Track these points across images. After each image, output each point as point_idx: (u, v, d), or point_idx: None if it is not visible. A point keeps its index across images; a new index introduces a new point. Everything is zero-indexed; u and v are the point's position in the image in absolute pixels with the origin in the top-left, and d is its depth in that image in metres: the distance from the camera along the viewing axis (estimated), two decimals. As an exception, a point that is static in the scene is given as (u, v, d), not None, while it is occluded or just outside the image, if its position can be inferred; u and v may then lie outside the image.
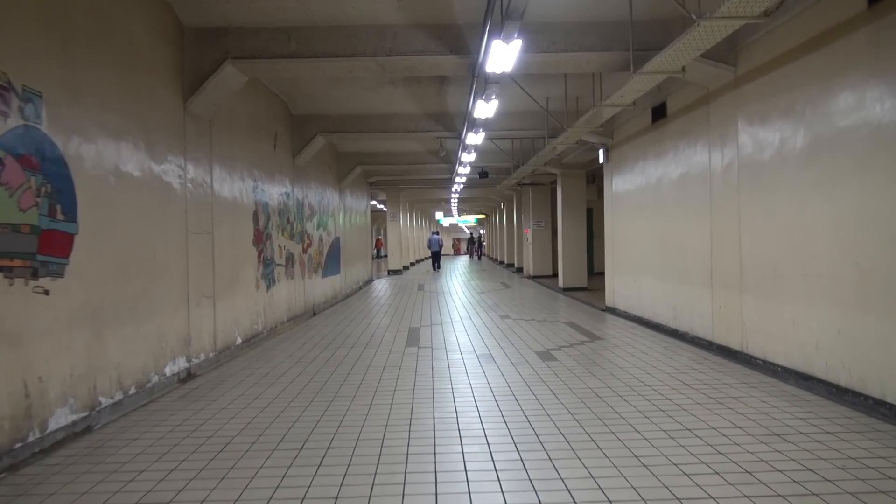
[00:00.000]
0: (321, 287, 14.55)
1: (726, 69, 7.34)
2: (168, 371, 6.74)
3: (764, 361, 6.81)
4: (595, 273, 21.50)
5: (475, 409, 5.57)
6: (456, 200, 33.36)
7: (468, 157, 13.97)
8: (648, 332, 9.72)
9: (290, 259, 11.83)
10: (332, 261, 15.91)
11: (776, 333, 6.59)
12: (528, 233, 22.70)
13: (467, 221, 51.66)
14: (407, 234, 31.84)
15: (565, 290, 17.17)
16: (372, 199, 30.61)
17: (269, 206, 10.53)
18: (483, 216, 47.30)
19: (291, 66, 7.50)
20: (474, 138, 11.32)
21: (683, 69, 6.79)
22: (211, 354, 7.91)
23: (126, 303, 5.92)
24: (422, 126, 12.31)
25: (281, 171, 11.36)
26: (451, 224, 57.11)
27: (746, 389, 6.01)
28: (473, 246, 49.28)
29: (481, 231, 63.55)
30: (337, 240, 16.66)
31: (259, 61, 7.29)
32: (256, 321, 9.72)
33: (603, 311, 12.80)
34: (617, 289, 12.12)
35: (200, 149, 7.72)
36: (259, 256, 9.95)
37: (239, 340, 8.89)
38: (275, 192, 10.96)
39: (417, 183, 24.27)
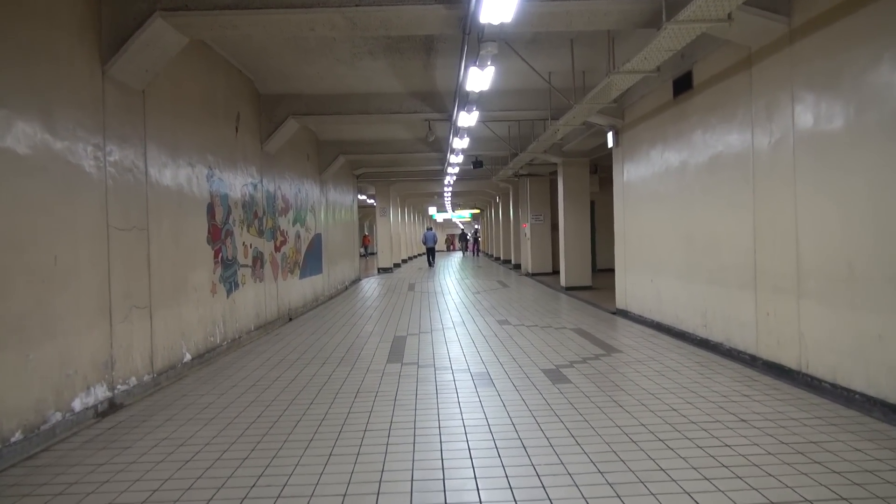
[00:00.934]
0: (299, 289, 13.10)
1: (777, 20, 5.91)
2: (78, 405, 5.30)
3: (833, 386, 5.40)
4: (598, 270, 20.10)
5: (469, 464, 4.14)
6: (449, 195, 31.91)
7: (460, 143, 12.53)
8: (672, 342, 8.31)
9: (258, 259, 10.37)
10: (312, 260, 14.46)
11: (852, 351, 5.18)
12: (526, 227, 21.28)
13: (462, 217, 50.23)
14: (398, 230, 30.39)
15: (568, 289, 15.76)
16: (360, 193, 29.16)
17: (229, 198, 9.08)
18: (478, 211, 45.88)
19: (238, 20, 6.04)
20: (467, 119, 9.88)
21: (730, 16, 5.36)
22: (146, 377, 6.47)
23: (5, 322, 4.47)
24: (407, 107, 10.86)
25: (246, 158, 9.90)
26: (444, 220, 55.66)
27: (826, 428, 4.59)
28: (465, 242, 47.81)
29: (476, 227, 62.14)
30: (318, 237, 15.20)
31: (194, 14, 5.82)
32: (213, 333, 8.28)
33: (613, 314, 11.40)
34: (630, 289, 10.71)
35: (129, 125, 6.25)
36: (216, 256, 8.49)
37: (188, 357, 7.45)
38: (238, 183, 9.50)
39: (408, 175, 22.81)
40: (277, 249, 11.61)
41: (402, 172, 22.30)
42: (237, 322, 9.21)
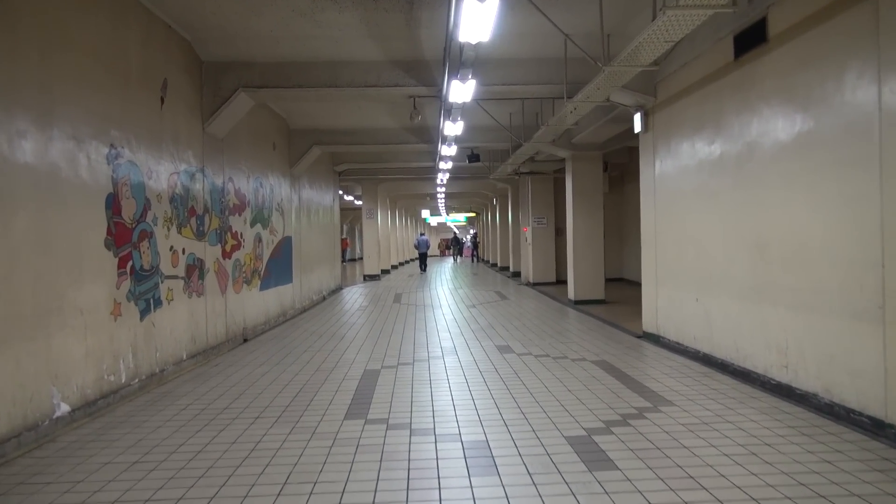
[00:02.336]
0: (258, 303, 10.90)
1: None
2: None
3: None
4: (606, 280, 17.96)
5: None
6: (443, 196, 29.77)
7: (453, 129, 10.38)
8: (735, 386, 6.15)
9: (196, 267, 8.19)
10: (278, 268, 12.28)
11: None
12: (527, 231, 19.14)
13: (456, 220, 48.06)
14: (387, 234, 28.21)
15: (577, 303, 13.61)
16: (347, 193, 27.04)
17: (147, 189, 6.90)
18: (473, 214, 43.72)
19: None
20: (461, 91, 7.72)
21: None
22: (-27, 451, 4.28)
23: None
24: (387, 78, 8.70)
25: (178, 139, 7.73)
26: (439, 223, 53.49)
27: None
28: (458, 247, 45.11)
29: (471, 231, 60.02)
30: (287, 240, 13.02)
31: None
32: (114, 370, 6.08)
33: (639, 338, 9.25)
34: (663, 309, 8.56)
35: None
36: (122, 265, 6.30)
37: (62, 409, 5.25)
38: (164, 170, 7.32)
39: (396, 172, 20.64)
40: (227, 255, 9.42)
41: (390, 169, 20.15)
42: (158, 351, 7.02)
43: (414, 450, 4.50)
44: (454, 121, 9.68)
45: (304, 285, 14.32)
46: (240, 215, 10.07)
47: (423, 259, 30.50)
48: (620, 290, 16.19)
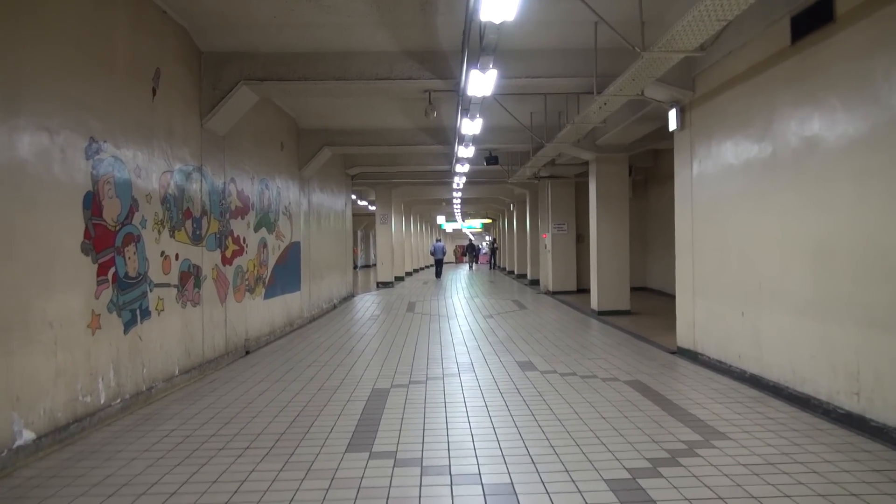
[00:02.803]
0: (263, 312, 10.25)
1: None
2: None
3: None
4: (631, 289, 17.16)
5: None
6: (459, 201, 29.07)
7: (471, 127, 9.68)
8: (795, 415, 5.37)
9: (191, 274, 7.55)
10: (285, 274, 11.63)
11: None
12: (547, 238, 18.38)
13: (472, 227, 47.36)
14: (401, 240, 27.55)
15: (601, 313, 12.83)
16: (361, 198, 26.46)
17: (135, 188, 6.26)
18: (489, 220, 42.99)
19: None
20: (481, 83, 7.02)
21: None
22: None
23: None
24: (400, 70, 8.02)
25: (172, 135, 7.10)
26: (454, 230, 52.82)
27: None
28: (474, 254, 43.87)
29: (487, 237, 59.28)
30: (295, 246, 12.38)
31: None
32: (91, 390, 5.43)
33: (673, 354, 8.48)
34: (702, 323, 7.78)
35: None
36: (104, 272, 5.66)
37: (25, 437, 4.60)
38: (155, 168, 6.69)
39: (410, 176, 19.98)
40: (227, 261, 8.77)
41: (404, 173, 19.49)
42: (145, 367, 6.36)
43: (426, 494, 3.79)
44: (472, 118, 8.98)
45: (313, 293, 13.66)
46: (243, 219, 9.44)
47: (438, 265, 30.55)
48: (645, 300, 15.39)
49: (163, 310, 6.80)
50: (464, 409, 5.79)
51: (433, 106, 8.49)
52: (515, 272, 27.71)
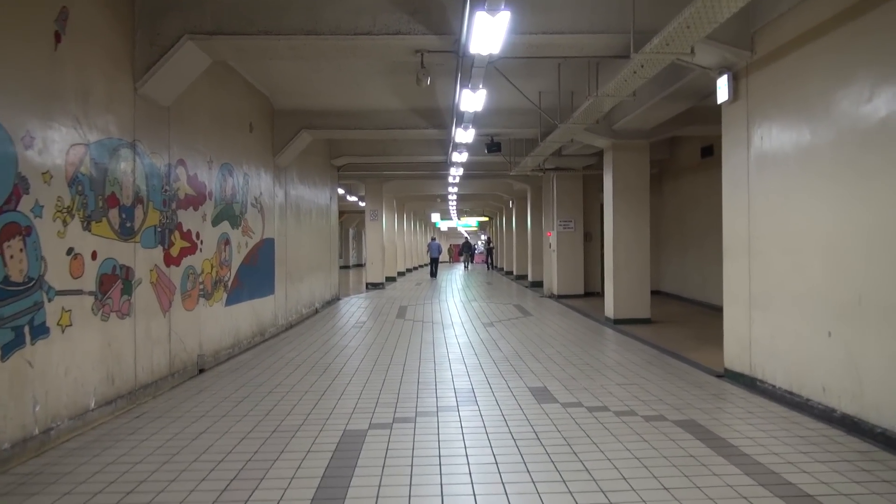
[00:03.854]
0: (223, 321, 8.63)
1: None
2: None
3: None
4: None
5: None
6: (454, 198, 27.46)
7: (472, 101, 8.08)
8: (933, 483, 3.80)
9: (118, 277, 5.92)
10: (254, 276, 10.01)
11: None
12: (552, 236, 16.79)
13: (468, 225, 45.75)
14: (393, 238, 25.92)
15: (617, 322, 11.26)
16: (350, 194, 24.85)
17: (20, 162, 4.63)
18: (486, 218, 41.38)
19: None
20: (488, 33, 5.42)
21: None
22: None
23: None
24: (384, 23, 6.39)
25: (86, 98, 5.47)
26: (449, 228, 51.19)
27: None
28: (469, 254, 41.47)
29: (483, 236, 57.73)
30: (268, 243, 10.75)
31: None
32: (-64, 443, 3.80)
33: (720, 377, 6.90)
34: (764, 341, 6.20)
35: None
36: (-36, 278, 4.04)
37: None
38: (57, 137, 5.06)
39: (402, 168, 18.34)
40: (173, 261, 7.14)
41: (396, 165, 17.86)
42: (39, 404, 4.74)
43: None
44: (474, 88, 7.37)
45: (290, 297, 12.03)
46: (196, 210, 7.81)
47: (433, 264, 29.74)
48: (661, 306, 13.81)
49: (70, 325, 5.17)
50: (466, 469, 4.19)
51: (426, 70, 6.87)
52: (515, 273, 26.11)
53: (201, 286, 7.92)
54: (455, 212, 37.29)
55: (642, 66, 6.26)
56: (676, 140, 14.99)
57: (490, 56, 6.20)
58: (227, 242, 8.87)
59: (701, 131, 11.81)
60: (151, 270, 6.61)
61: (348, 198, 25.68)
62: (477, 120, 10.39)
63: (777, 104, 5.95)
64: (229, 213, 8.94)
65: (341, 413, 5.61)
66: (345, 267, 42.63)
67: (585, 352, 8.62)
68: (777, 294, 5.96)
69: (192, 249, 7.67)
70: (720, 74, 6.76)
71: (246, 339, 9.50)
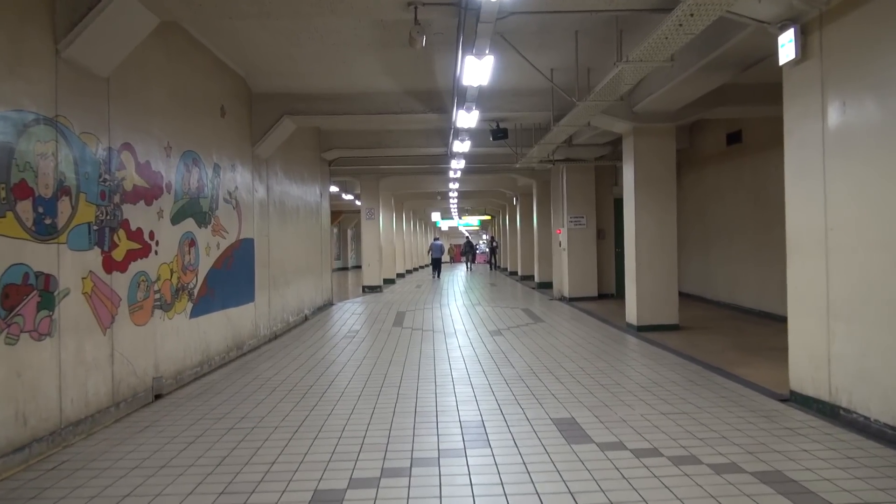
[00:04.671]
0: (189, 335, 7.37)
1: None
2: None
3: None
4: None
5: None
6: (455, 196, 26.19)
7: (477, 72, 6.82)
8: None
9: (32, 289, 4.66)
10: (229, 282, 8.75)
11: None
12: (562, 234, 15.52)
13: (469, 224, 44.47)
14: (391, 238, 24.65)
15: (641, 328, 10.00)
16: (345, 192, 23.62)
17: None
18: (488, 217, 40.10)
19: None
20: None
21: None
22: None
23: None
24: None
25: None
26: (450, 227, 49.92)
27: None
28: (471, 254, 39.71)
29: (485, 236, 56.51)
30: (246, 244, 9.49)
31: None
32: None
33: (784, 401, 5.63)
34: (850, 361, 4.92)
35: None
36: None
37: None
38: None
39: (400, 162, 17.06)
40: (116, 266, 5.87)
41: (392, 159, 16.59)
42: None
43: None
44: (480, 53, 6.09)
45: (273, 304, 10.77)
46: (149, 204, 6.54)
47: (436, 264, 29.22)
48: (685, 309, 12.41)
49: (-49, 353, 3.91)
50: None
51: (420, 28, 5.59)
52: (520, 273, 24.84)
53: (157, 295, 6.65)
54: (456, 210, 36.04)
55: (691, 16, 5.00)
56: (698, 127, 13.72)
57: (500, 4, 4.92)
58: (193, 243, 7.60)
59: (732, 113, 10.52)
60: (85, 278, 5.35)
61: (344, 196, 24.43)
62: (482, 100, 9.12)
63: (866, 62, 4.68)
64: (195, 210, 7.67)
65: (314, 461, 4.34)
66: (343, 269, 41.39)
67: (612, 367, 7.34)
68: (869, 300, 4.69)
69: (143, 252, 6.40)
70: (782, 29, 5.49)
71: (218, 355, 8.23)
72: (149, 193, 6.53)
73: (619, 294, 15.53)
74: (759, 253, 11.59)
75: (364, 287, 20.18)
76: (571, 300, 14.99)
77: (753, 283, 11.88)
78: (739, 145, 12.29)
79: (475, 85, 7.47)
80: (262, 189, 10.33)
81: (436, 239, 33.31)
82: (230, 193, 8.90)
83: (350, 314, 13.77)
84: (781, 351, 7.57)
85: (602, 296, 15.27)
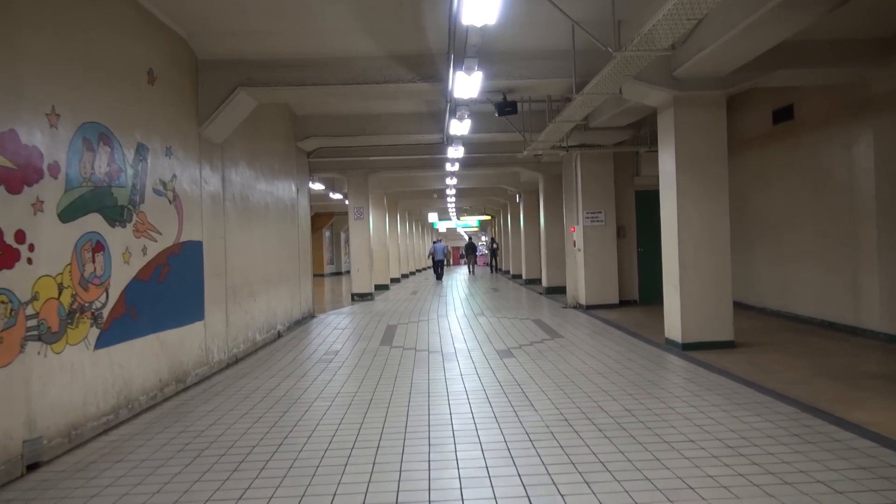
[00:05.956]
0: (93, 374, 5.39)
1: None
2: None
3: None
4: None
5: None
6: (453, 192, 24.22)
7: (479, 9, 4.84)
8: None
9: None
10: (165, 297, 6.77)
11: None
12: (576, 232, 13.55)
13: (468, 225, 42.48)
14: (384, 241, 22.66)
15: (687, 346, 8.03)
16: (333, 191, 21.69)
17: None
18: (488, 217, 38.11)
19: None
20: None
21: None
22: None
23: None
24: None
25: None
26: (448, 229, 47.94)
27: None
28: (473, 256, 37.55)
29: (484, 237, 54.60)
30: (191, 249, 7.52)
31: None
32: None
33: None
34: None
35: None
36: None
37: None
38: None
39: (389, 153, 15.05)
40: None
41: (380, 149, 14.59)
42: None
43: None
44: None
45: (234, 321, 8.79)
46: (16, 192, 4.56)
47: (438, 267, 28.79)
48: (743, 320, 10.36)
49: None
50: None
51: None
52: (524, 277, 22.87)
53: (33, 322, 4.67)
54: (454, 210, 34.11)
55: None
56: (735, 103, 11.74)
57: None
58: (100, 247, 5.62)
59: (794, 79, 8.54)
60: None
61: (332, 196, 22.46)
62: (486, 62, 7.17)
63: None
64: (104, 203, 5.69)
65: None
66: (337, 273, 39.40)
67: (672, 410, 5.37)
68: None
69: (5, 260, 4.42)
70: None
71: (146, 394, 6.25)
72: (14, 177, 4.55)
73: (644, 300, 13.60)
74: (820, 251, 9.64)
75: (353, 295, 18.18)
76: (588, 308, 13.02)
77: (813, 286, 9.91)
78: (790, 123, 10.33)
79: (478, 25, 5.48)
80: (216, 180, 8.36)
81: (437, 241, 31.91)
82: (164, 184, 6.92)
83: (332, 329, 11.78)
84: (891, 380, 5.71)
85: (623, 303, 13.29)
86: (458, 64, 6.73)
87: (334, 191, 21.99)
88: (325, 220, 37.25)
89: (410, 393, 6.36)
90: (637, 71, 6.47)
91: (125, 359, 5.94)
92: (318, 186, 19.07)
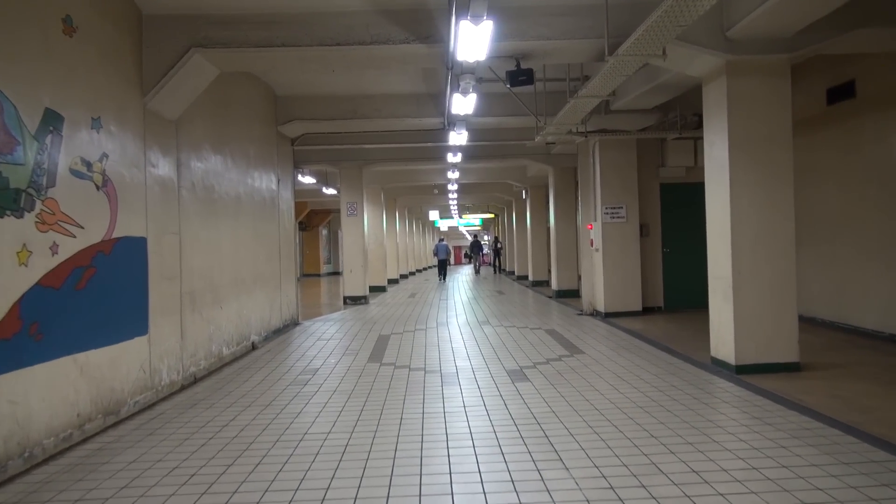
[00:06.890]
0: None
1: None
2: None
3: None
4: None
5: None
6: (455, 187, 22.72)
7: None
8: None
9: None
10: (86, 308, 5.31)
11: None
12: (593, 230, 12.05)
13: (470, 224, 40.93)
14: (380, 239, 21.15)
15: (742, 369, 6.52)
16: (327, 185, 20.22)
17: None
18: (491, 215, 36.56)
19: None
20: None
21: None
22: None
23: None
24: None
25: None
26: (449, 227, 46.40)
27: None
28: (478, 255, 35.90)
29: (486, 236, 53.07)
30: (129, 246, 6.04)
31: None
32: None
33: None
34: None
35: None
36: None
37: None
38: None
39: (383, 141, 13.51)
40: None
41: (374, 136, 13.05)
42: None
43: None
44: None
45: (191, 333, 7.30)
46: None
47: (442, 266, 28.39)
48: (809, 336, 8.78)
49: None
50: None
51: None
52: (530, 278, 21.36)
53: None
54: (456, 207, 32.62)
55: None
56: (805, 66, 10.18)
57: None
58: (-24, 245, 4.14)
59: (872, 43, 7.01)
60: None
61: (325, 191, 20.95)
62: (496, 14, 5.67)
63: None
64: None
65: None
66: (334, 273, 37.90)
67: (759, 472, 3.87)
68: None
69: None
70: None
71: (53, 438, 4.77)
72: None
73: (669, 307, 12.09)
74: (888, 253, 8.15)
75: (345, 298, 16.66)
76: (607, 316, 11.51)
77: (877, 294, 8.42)
78: (850, 102, 8.83)
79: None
80: (167, 164, 6.87)
81: (441, 240, 31.47)
82: (89, 164, 5.43)
83: (315, 339, 10.28)
84: None
85: (647, 310, 11.79)
86: (462, 12, 5.23)
87: (328, 185, 20.48)
88: (322, 217, 35.80)
89: (398, 435, 4.88)
90: (697, 16, 4.95)
91: (19, 392, 4.47)
92: (308, 180, 17.59)
